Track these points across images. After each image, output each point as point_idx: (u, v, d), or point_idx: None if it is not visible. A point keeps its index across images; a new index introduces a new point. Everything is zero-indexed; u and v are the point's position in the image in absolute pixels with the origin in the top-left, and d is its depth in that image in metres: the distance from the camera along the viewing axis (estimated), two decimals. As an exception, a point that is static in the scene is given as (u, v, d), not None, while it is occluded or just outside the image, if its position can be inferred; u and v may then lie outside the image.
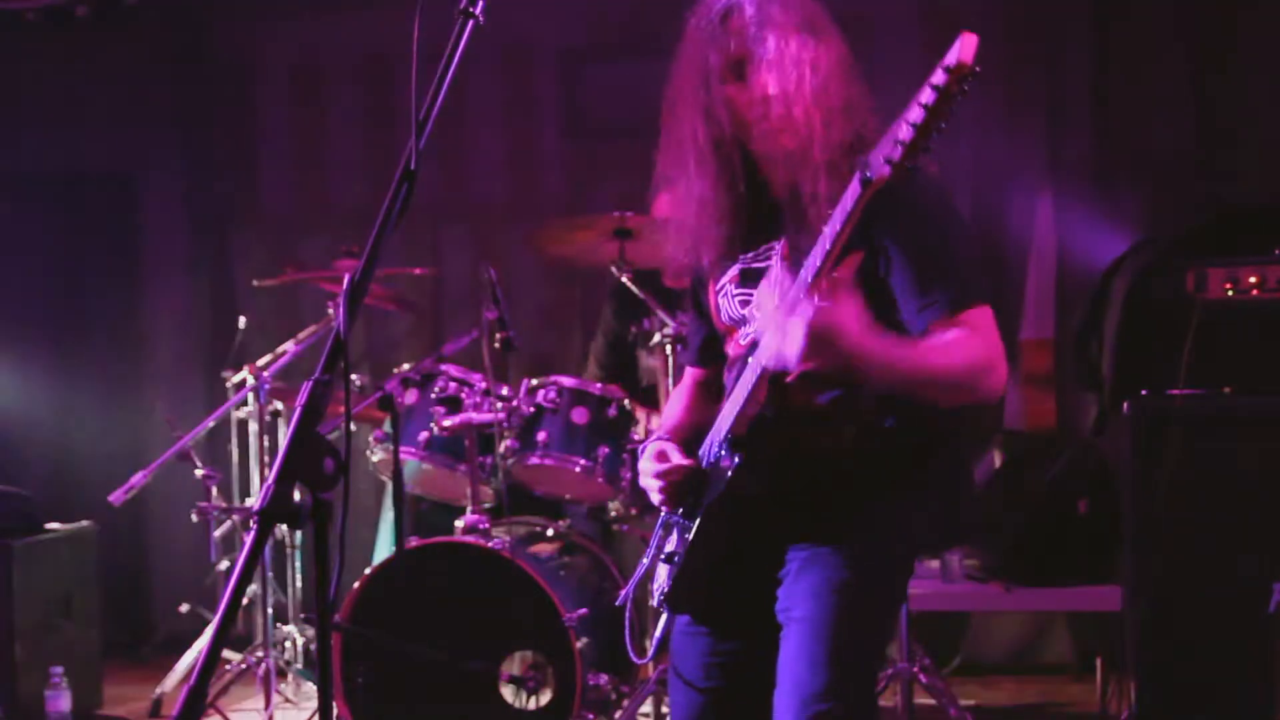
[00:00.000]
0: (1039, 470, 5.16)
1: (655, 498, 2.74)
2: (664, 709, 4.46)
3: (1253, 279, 3.75)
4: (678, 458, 2.70)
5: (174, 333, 6.70)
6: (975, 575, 5.16)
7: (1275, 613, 3.30)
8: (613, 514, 4.75)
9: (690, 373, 3.02)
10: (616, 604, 3.19)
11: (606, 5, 5.94)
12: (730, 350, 2.75)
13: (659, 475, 2.70)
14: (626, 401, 4.53)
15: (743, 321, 2.69)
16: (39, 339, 6.81)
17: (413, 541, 4.30)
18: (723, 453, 2.58)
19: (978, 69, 2.20)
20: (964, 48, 2.23)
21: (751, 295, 2.64)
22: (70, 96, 6.68)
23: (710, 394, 2.87)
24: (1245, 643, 3.45)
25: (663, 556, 2.77)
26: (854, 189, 2.20)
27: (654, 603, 2.81)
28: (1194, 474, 3.64)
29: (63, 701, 5.13)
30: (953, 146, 5.71)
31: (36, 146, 6.74)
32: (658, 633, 2.95)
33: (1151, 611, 3.70)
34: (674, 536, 2.74)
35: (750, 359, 2.50)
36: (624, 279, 4.68)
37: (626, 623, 3.09)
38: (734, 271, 2.71)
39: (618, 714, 4.33)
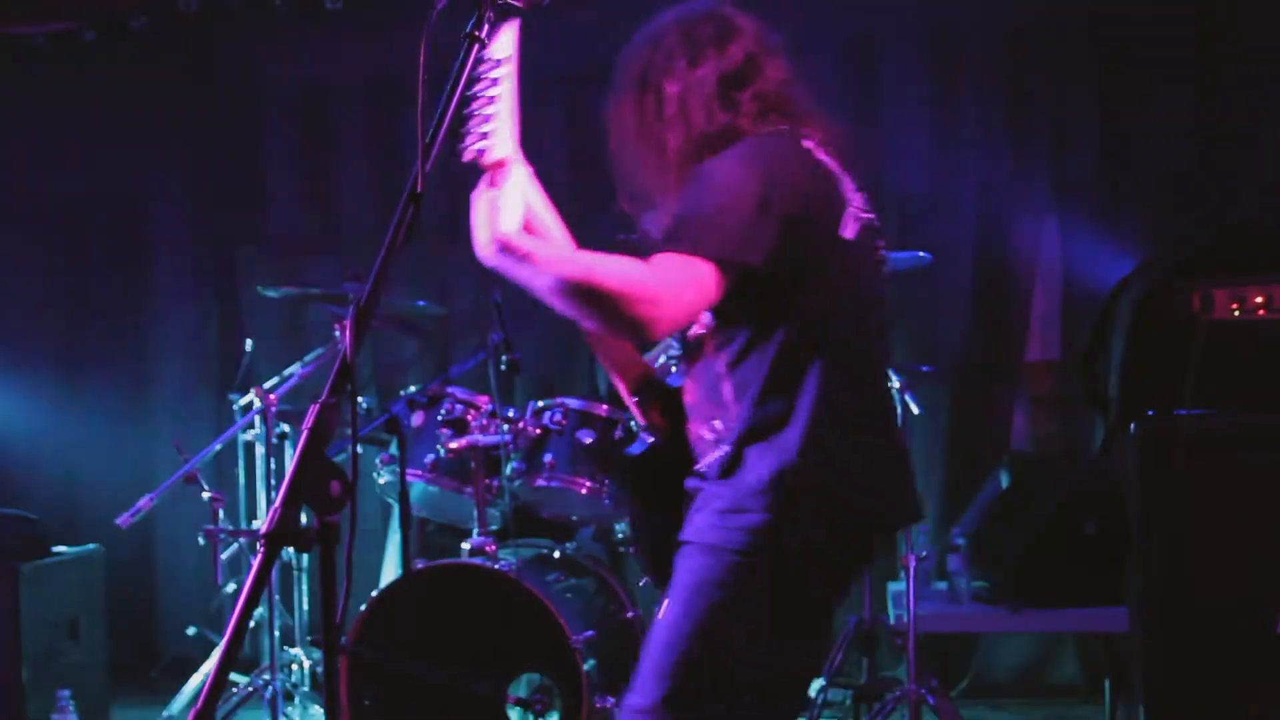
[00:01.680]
0: (1047, 491, 5.15)
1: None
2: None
3: (1259, 299, 3.75)
4: None
5: (181, 355, 6.70)
6: (983, 597, 5.15)
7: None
8: (620, 535, 4.74)
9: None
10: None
11: (612, 34, 5.92)
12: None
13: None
14: (633, 422, 4.53)
15: None
16: (46, 362, 6.82)
17: (419, 564, 4.29)
18: None
19: None
20: None
21: None
22: (77, 119, 6.70)
23: None
24: (1255, 663, 3.44)
25: None
26: None
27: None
28: (1201, 494, 3.63)
29: (71, 724, 5.15)
30: (959, 170, 5.72)
31: (44, 169, 6.75)
32: None
33: (1159, 632, 3.68)
34: None
35: None
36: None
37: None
38: None
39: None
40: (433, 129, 2.15)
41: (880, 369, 2.79)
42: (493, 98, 2.44)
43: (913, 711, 4.58)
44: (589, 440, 4.46)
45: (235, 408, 5.23)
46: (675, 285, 2.40)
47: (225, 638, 1.88)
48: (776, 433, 2.53)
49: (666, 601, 2.58)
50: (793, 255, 2.47)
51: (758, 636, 2.50)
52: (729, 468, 2.55)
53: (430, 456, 4.56)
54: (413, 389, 4.69)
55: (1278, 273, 3.83)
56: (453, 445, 4.52)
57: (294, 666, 5.12)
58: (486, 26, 2.28)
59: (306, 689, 5.15)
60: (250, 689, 5.01)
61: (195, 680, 5.41)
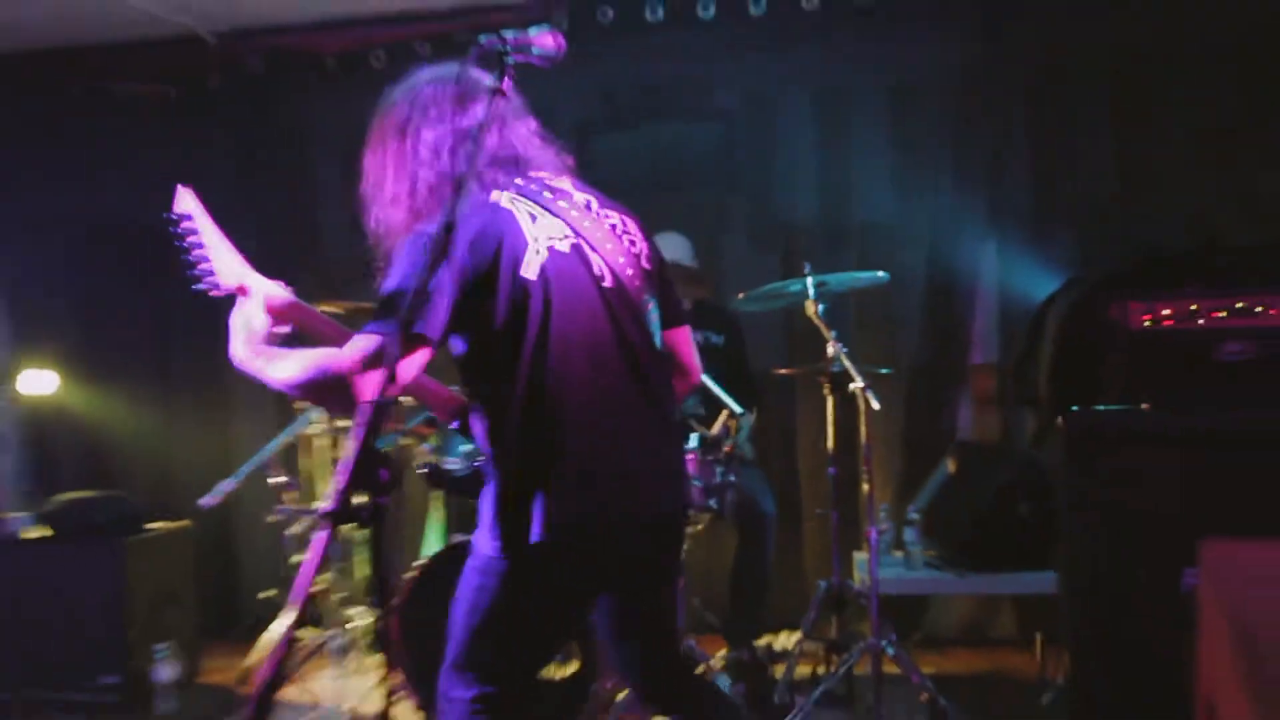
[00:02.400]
0: (988, 475, 5.19)
1: None
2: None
3: (1166, 311, 3.77)
4: None
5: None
6: (934, 564, 5.19)
7: (1187, 593, 3.30)
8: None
9: None
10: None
11: (615, 83, 5.96)
12: None
13: None
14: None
15: None
16: (141, 369, 6.87)
17: (456, 537, 4.31)
18: None
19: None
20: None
21: None
22: (166, 161, 6.72)
23: None
24: (1163, 618, 3.47)
25: None
26: None
27: None
28: (1117, 478, 3.65)
29: (168, 673, 5.18)
30: (910, 203, 5.75)
31: (139, 201, 6.78)
32: None
33: (1082, 594, 3.71)
34: None
35: None
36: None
37: None
38: None
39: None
40: (461, 170, 2.19)
41: (592, 391, 2.61)
42: (199, 244, 2.54)
43: (874, 661, 4.60)
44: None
45: (299, 406, 5.25)
46: (350, 357, 2.40)
47: (295, 600, 1.90)
48: (488, 454, 2.66)
49: None
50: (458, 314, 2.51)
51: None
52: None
53: (464, 447, 4.58)
54: (454, 389, 4.70)
55: (1181, 289, 3.86)
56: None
57: (352, 624, 5.14)
58: (508, 79, 2.32)
59: (364, 643, 5.17)
60: (317, 644, 5.04)
61: (270, 635, 5.43)
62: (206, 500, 4.96)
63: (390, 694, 2.03)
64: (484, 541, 2.61)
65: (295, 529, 5.27)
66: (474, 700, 2.62)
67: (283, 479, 5.23)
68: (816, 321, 4.52)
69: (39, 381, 6.72)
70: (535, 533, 2.51)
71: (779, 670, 4.79)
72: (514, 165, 2.67)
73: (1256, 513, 3.40)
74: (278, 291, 2.69)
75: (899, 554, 5.30)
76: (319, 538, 1.93)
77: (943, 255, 5.73)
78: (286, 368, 2.43)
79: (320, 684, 5.04)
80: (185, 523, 5.65)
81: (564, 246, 2.62)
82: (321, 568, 1.92)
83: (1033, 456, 5.20)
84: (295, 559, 5.33)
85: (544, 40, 2.36)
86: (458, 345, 2.56)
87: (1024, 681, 4.99)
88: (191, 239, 2.51)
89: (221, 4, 6.03)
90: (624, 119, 6.00)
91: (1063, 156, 5.67)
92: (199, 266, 2.55)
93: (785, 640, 5.31)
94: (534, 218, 2.61)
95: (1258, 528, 2.37)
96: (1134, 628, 3.59)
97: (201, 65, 6.59)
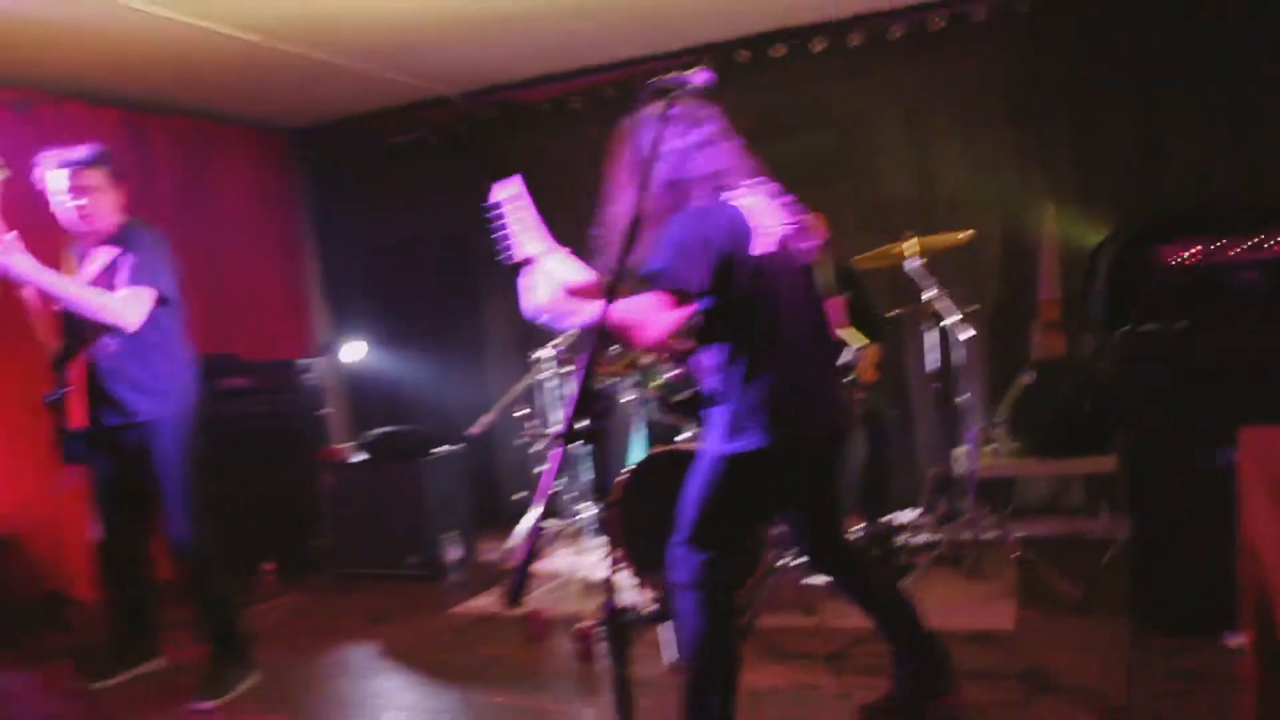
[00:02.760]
0: (1057, 384, 5.05)
1: None
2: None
3: (1191, 250, 3.66)
4: None
5: (500, 328, 6.85)
6: (1018, 453, 5.06)
7: (1222, 467, 3.15)
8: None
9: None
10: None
11: (752, 106, 5.88)
12: None
13: None
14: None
15: None
16: (425, 336, 7.06)
17: (655, 449, 4.34)
18: None
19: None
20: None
21: None
22: (428, 192, 6.88)
23: None
24: (1205, 487, 3.34)
25: None
26: None
27: None
28: (1161, 381, 3.52)
29: (456, 553, 5.35)
30: (983, 182, 5.57)
31: (415, 222, 6.97)
32: None
33: (1138, 471, 3.59)
34: None
35: None
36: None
37: None
38: None
39: (790, 550, 4.28)
40: (643, 175, 2.19)
41: (794, 339, 2.70)
42: (504, 224, 2.54)
43: (975, 529, 4.51)
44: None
45: (535, 357, 5.35)
46: (656, 310, 2.48)
47: (540, 498, 1.94)
48: (719, 382, 2.69)
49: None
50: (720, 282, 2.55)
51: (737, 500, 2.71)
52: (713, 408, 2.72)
53: (656, 381, 4.59)
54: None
55: (1201, 234, 3.76)
56: (670, 374, 4.55)
57: (583, 515, 5.23)
58: (676, 108, 2.31)
59: (592, 528, 5.27)
60: (557, 529, 5.15)
61: (524, 524, 5.56)
62: (474, 430, 5.10)
63: (612, 566, 2.06)
64: (717, 445, 2.68)
65: (537, 447, 5.39)
66: (703, 564, 2.69)
67: (526, 411, 5.35)
68: (917, 274, 4.43)
69: (355, 350, 7.00)
70: (761, 439, 2.61)
71: (901, 539, 4.72)
72: (732, 172, 2.70)
73: (1270, 406, 3.26)
74: (562, 262, 2.78)
75: (991, 446, 5.17)
76: (554, 453, 1.96)
77: (1013, 218, 5.53)
78: (581, 314, 2.55)
79: (560, 560, 5.15)
80: (460, 446, 5.77)
81: (774, 233, 2.69)
82: (557, 475, 1.96)
83: (1092, 366, 5.03)
84: (538, 469, 5.45)
85: (698, 77, 2.36)
86: (706, 303, 2.60)
87: (1092, 541, 4.82)
88: (499, 221, 2.61)
89: (461, 71, 6.11)
90: (759, 132, 5.91)
91: (1096, 136, 5.40)
92: (501, 241, 2.62)
93: (905, 516, 5.23)
94: (754, 210, 2.67)
95: (1271, 417, 2.29)
96: (1181, 496, 3.46)
97: (450, 118, 6.71)
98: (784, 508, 3.04)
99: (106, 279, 3.80)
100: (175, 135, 6.33)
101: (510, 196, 2.61)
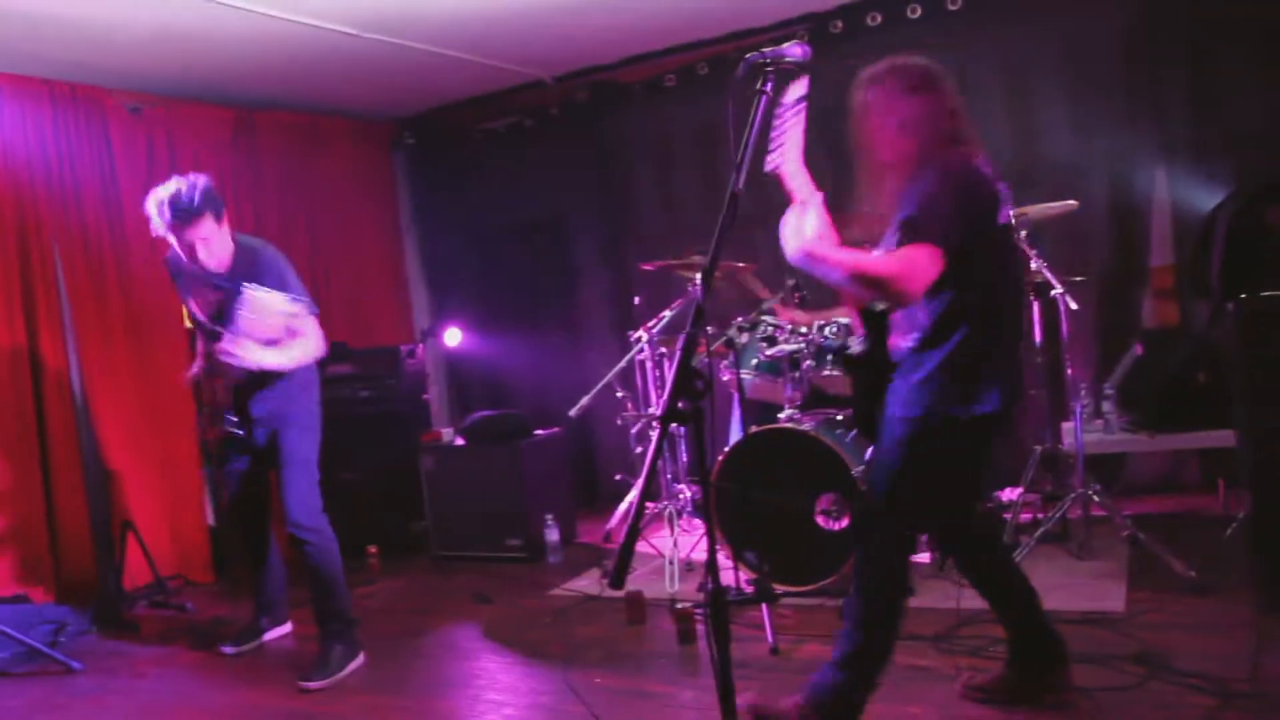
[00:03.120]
0: (1169, 354, 4.87)
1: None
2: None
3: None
4: None
5: (596, 310, 6.89)
6: (1127, 428, 4.89)
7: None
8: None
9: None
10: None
11: (849, 77, 5.76)
12: None
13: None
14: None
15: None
16: (522, 320, 7.13)
17: (753, 429, 4.32)
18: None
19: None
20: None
21: None
22: (526, 175, 6.94)
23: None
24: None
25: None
26: None
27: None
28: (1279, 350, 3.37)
29: (554, 534, 5.40)
30: (1090, 145, 5.37)
31: (512, 204, 7.04)
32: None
33: (1257, 443, 3.43)
34: None
35: None
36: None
37: None
38: None
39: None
40: (741, 154, 2.15)
41: (1010, 312, 2.68)
42: (783, 130, 2.46)
43: (1083, 506, 4.38)
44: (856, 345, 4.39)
45: (632, 340, 5.35)
46: (910, 265, 2.42)
47: (639, 480, 1.93)
48: (943, 342, 2.59)
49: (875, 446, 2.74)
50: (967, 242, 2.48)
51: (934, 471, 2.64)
52: (914, 362, 2.63)
53: (754, 361, 4.57)
54: (740, 320, 4.70)
55: None
56: (768, 353, 4.51)
57: (681, 495, 5.23)
58: (770, 84, 2.26)
59: (690, 509, 5.26)
60: (656, 510, 5.15)
61: (622, 506, 5.58)
62: (573, 411, 5.13)
63: (712, 547, 2.04)
64: (945, 408, 2.60)
65: (636, 428, 5.40)
66: (901, 538, 2.68)
67: (624, 393, 5.36)
68: (1020, 244, 4.30)
69: (454, 335, 7.10)
70: (995, 403, 2.59)
71: (1008, 516, 4.61)
72: (970, 138, 2.67)
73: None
74: (817, 208, 2.67)
75: (1099, 421, 5.00)
76: (654, 434, 1.95)
77: (1121, 182, 5.33)
78: (843, 262, 2.48)
79: (661, 541, 5.16)
80: (559, 429, 5.81)
81: (1007, 198, 2.67)
82: (657, 455, 1.95)
83: (1207, 336, 4.81)
84: (637, 450, 5.46)
85: (794, 50, 2.31)
86: (945, 261, 2.50)
87: (1208, 519, 4.64)
88: (779, 122, 2.51)
89: (555, 54, 6.13)
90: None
91: (1215, 94, 5.14)
92: (773, 146, 2.54)
93: (1011, 493, 5.10)
94: (995, 177, 2.64)
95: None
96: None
97: (545, 101, 6.74)
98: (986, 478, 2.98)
99: (229, 306, 3.91)
100: (281, 130, 6.49)
101: (797, 100, 2.49)
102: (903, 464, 2.62)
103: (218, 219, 3.85)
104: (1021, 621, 2.92)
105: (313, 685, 3.85)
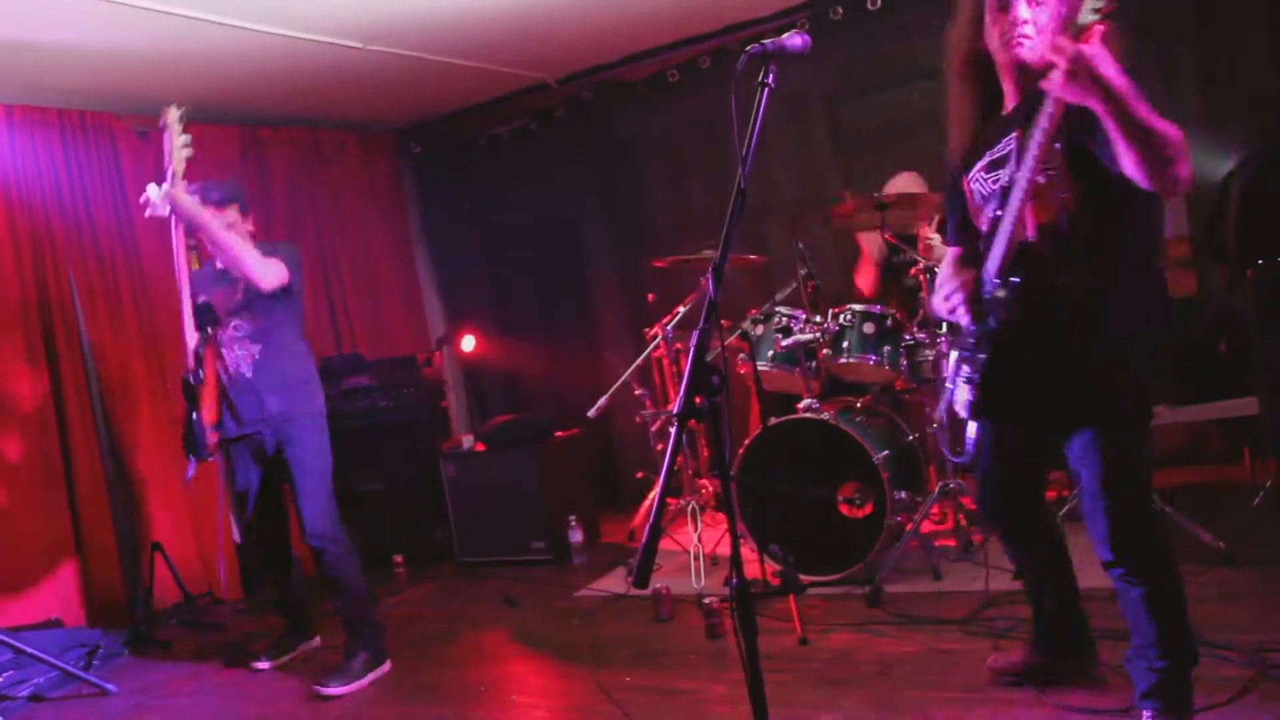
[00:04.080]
0: (1189, 325, 4.83)
1: (960, 313, 2.57)
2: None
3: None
4: (963, 277, 2.56)
5: (611, 309, 6.89)
6: (1150, 400, 4.85)
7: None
8: (897, 389, 4.64)
9: (950, 251, 2.82)
10: (937, 414, 3.08)
11: (851, 63, 5.75)
12: (981, 225, 2.56)
13: (956, 291, 2.56)
14: (896, 314, 4.41)
15: (991, 197, 2.49)
16: (538, 321, 7.14)
17: (772, 420, 4.31)
18: (997, 285, 2.42)
19: None
20: None
21: (998, 179, 2.46)
22: (535, 177, 6.95)
23: (966, 265, 2.66)
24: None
25: (964, 379, 2.58)
26: None
27: (962, 414, 2.63)
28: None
29: (577, 535, 5.40)
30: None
31: (525, 206, 7.04)
32: (970, 435, 2.79)
33: (1281, 412, 3.39)
34: (966, 367, 2.57)
35: (1008, 203, 2.34)
36: (886, 236, 4.57)
37: (946, 427, 3.01)
38: (983, 163, 2.57)
39: (916, 514, 4.24)
40: (746, 148, 2.14)
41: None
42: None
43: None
44: (870, 330, 4.37)
45: (647, 337, 5.34)
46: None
47: (661, 477, 1.93)
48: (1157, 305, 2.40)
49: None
50: None
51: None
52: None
53: (770, 352, 4.56)
54: (754, 312, 4.69)
55: None
56: (784, 344, 4.50)
57: (702, 491, 5.23)
58: (772, 76, 2.24)
59: (712, 504, 5.25)
60: (679, 506, 5.15)
61: (645, 504, 5.58)
62: (592, 411, 5.13)
63: (736, 540, 2.04)
64: (1136, 377, 2.41)
65: (655, 426, 5.39)
66: (1156, 526, 2.52)
67: (642, 391, 5.36)
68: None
69: (470, 342, 7.11)
70: (1163, 370, 2.45)
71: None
72: None
73: None
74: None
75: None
76: (673, 431, 1.95)
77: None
78: (1169, 126, 2.26)
79: (684, 537, 5.15)
80: (578, 429, 5.82)
81: None
82: (675, 451, 1.94)
83: (1226, 304, 4.77)
84: (658, 447, 5.45)
85: (794, 40, 2.28)
86: None
87: (1234, 488, 4.60)
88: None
89: (557, 56, 6.14)
90: (858, 89, 5.80)
91: (1225, 57, 5.09)
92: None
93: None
94: None
95: None
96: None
97: (549, 103, 6.75)
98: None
99: (246, 304, 3.99)
100: (287, 145, 6.52)
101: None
102: (1144, 444, 2.45)
103: (244, 213, 4.07)
104: (1055, 603, 2.90)
105: (329, 690, 3.87)
